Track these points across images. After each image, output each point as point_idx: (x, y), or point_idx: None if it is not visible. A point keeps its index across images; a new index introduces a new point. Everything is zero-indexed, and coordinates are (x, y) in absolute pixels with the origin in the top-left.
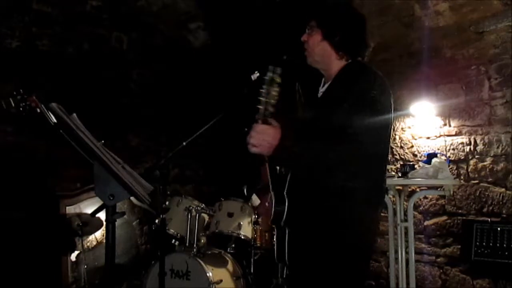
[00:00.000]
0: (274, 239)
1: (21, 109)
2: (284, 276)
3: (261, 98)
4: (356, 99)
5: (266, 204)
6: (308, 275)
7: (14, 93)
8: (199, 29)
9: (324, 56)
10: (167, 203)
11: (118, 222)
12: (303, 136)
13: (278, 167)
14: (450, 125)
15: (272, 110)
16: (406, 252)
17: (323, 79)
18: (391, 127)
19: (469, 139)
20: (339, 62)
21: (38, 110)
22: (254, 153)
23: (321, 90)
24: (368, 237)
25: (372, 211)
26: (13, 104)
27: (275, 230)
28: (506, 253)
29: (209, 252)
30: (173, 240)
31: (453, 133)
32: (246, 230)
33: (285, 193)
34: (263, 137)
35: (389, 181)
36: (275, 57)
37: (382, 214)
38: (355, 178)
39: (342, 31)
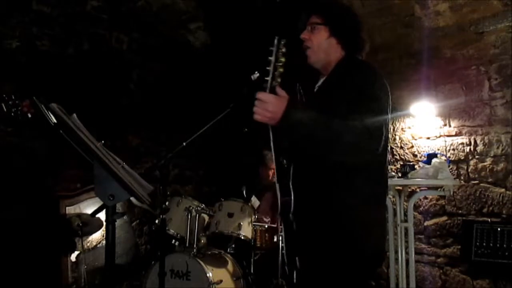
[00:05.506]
0: (278, 236)
1: (12, 114)
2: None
3: (268, 68)
4: (356, 93)
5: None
6: (318, 272)
7: (6, 98)
8: (199, 29)
9: (330, 53)
10: (167, 203)
11: (118, 222)
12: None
13: (281, 158)
14: (450, 126)
15: (279, 80)
16: (406, 253)
17: (320, 76)
18: (388, 126)
19: (469, 139)
20: (338, 57)
21: (29, 115)
22: (258, 121)
23: (317, 85)
24: (379, 235)
25: (378, 209)
26: (5, 109)
27: (283, 224)
28: (506, 253)
29: (209, 253)
30: (173, 240)
31: (453, 133)
32: (246, 230)
33: (290, 184)
34: (265, 106)
35: (389, 182)
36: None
37: None
38: (356, 155)
39: (348, 27)
